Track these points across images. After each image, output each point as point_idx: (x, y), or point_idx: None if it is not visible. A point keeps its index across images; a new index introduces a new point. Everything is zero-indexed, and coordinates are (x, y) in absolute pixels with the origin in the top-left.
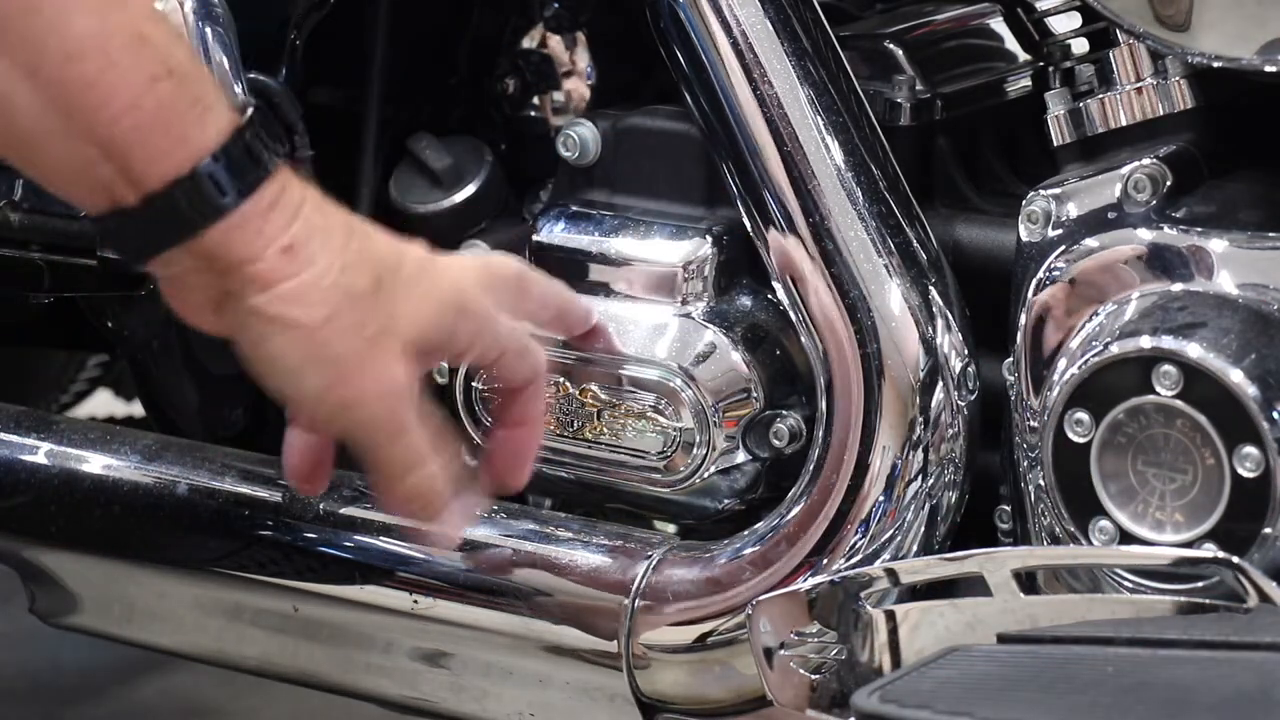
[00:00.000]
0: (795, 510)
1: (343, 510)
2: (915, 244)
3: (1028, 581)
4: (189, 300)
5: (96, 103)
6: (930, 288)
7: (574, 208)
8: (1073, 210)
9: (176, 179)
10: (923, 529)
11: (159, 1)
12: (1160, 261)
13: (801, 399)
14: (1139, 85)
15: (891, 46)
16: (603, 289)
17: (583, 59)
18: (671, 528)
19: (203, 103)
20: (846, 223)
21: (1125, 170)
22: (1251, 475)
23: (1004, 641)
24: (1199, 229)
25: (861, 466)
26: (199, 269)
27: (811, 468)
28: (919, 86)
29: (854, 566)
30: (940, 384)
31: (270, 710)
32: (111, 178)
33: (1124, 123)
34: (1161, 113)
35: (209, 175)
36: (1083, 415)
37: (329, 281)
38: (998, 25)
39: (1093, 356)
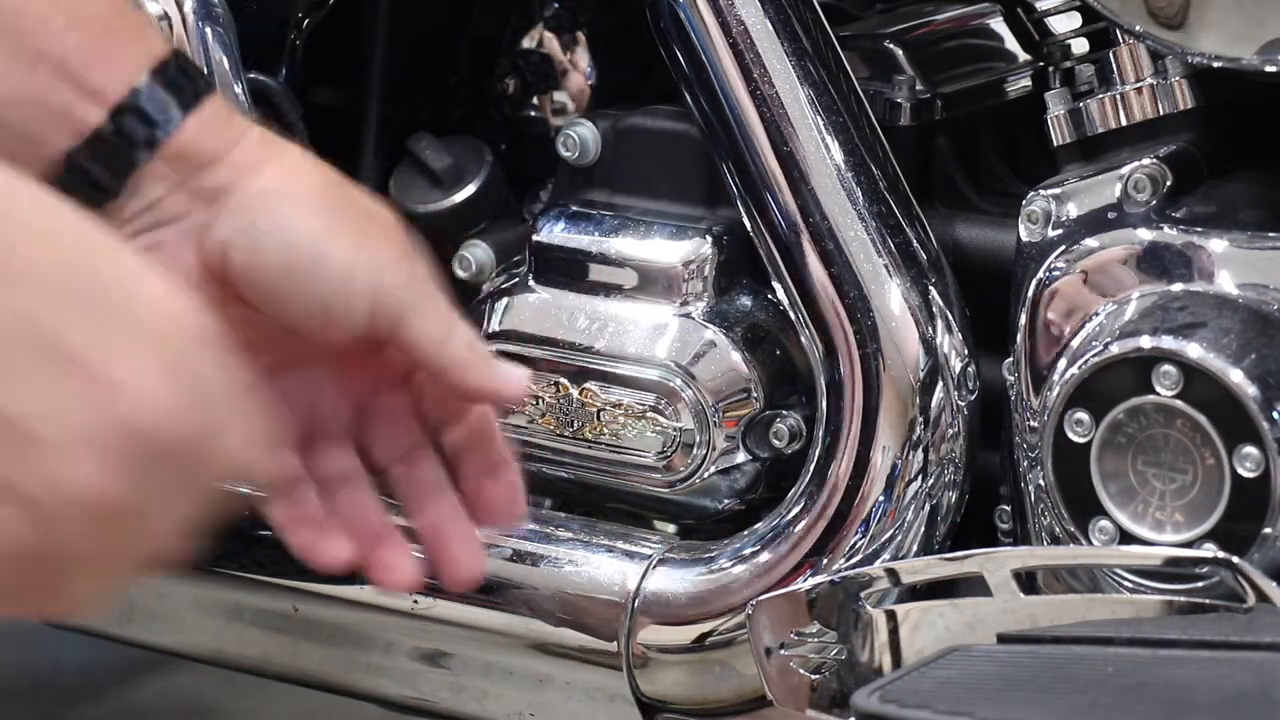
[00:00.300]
0: (795, 510)
1: None
2: (915, 244)
3: (1028, 581)
4: (172, 249)
5: (39, 20)
6: (930, 288)
7: (574, 208)
8: (1073, 210)
9: (140, 83)
10: (923, 529)
11: (155, 2)
12: (1160, 261)
13: (801, 399)
14: (1139, 85)
15: (891, 46)
16: (602, 289)
17: (583, 59)
18: (671, 528)
19: (140, 16)
20: (846, 223)
21: (1125, 170)
22: (1251, 475)
23: (1004, 641)
24: (1199, 229)
25: (861, 466)
26: (176, 187)
27: (811, 468)
28: (919, 86)
29: (854, 566)
30: (940, 384)
31: (270, 710)
32: (69, 100)
33: (1124, 123)
34: (1161, 113)
35: (171, 73)
36: (1083, 415)
37: (308, 155)
38: (998, 25)
39: (1093, 356)
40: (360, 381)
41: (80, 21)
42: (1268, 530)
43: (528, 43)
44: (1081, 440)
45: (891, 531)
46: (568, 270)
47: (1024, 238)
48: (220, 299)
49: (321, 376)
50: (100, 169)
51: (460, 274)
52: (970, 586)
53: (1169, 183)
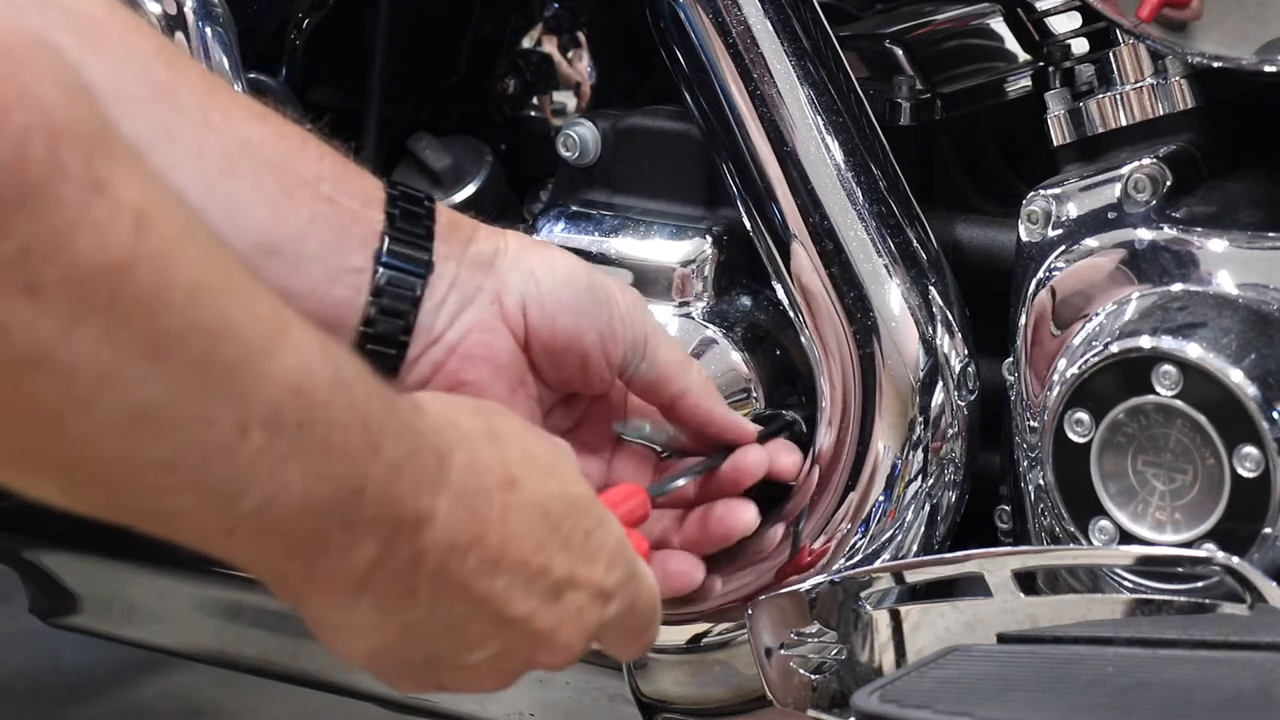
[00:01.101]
0: (795, 510)
1: None
2: (915, 244)
3: (1028, 581)
4: (495, 331)
5: (295, 154)
6: (930, 288)
7: (574, 208)
8: (1073, 210)
9: (382, 180)
10: (923, 529)
11: (155, 2)
12: (1160, 261)
13: (801, 399)
14: (1139, 85)
15: (891, 46)
16: None
17: (583, 59)
18: None
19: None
20: (846, 223)
21: (1125, 170)
22: (1251, 475)
23: (1004, 641)
24: (1199, 229)
25: (861, 466)
26: (460, 262)
27: (811, 468)
28: (919, 86)
29: (854, 566)
30: (940, 384)
31: (270, 710)
32: (354, 209)
33: (1124, 123)
34: (1161, 113)
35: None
36: (1083, 415)
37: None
38: (998, 25)
39: (1093, 356)
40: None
41: (320, 149)
42: (1268, 530)
43: (528, 43)
44: (1081, 440)
45: (891, 531)
46: None
47: (1024, 238)
48: (531, 367)
49: (589, 427)
50: (410, 249)
51: None
52: (970, 586)
53: (1169, 183)
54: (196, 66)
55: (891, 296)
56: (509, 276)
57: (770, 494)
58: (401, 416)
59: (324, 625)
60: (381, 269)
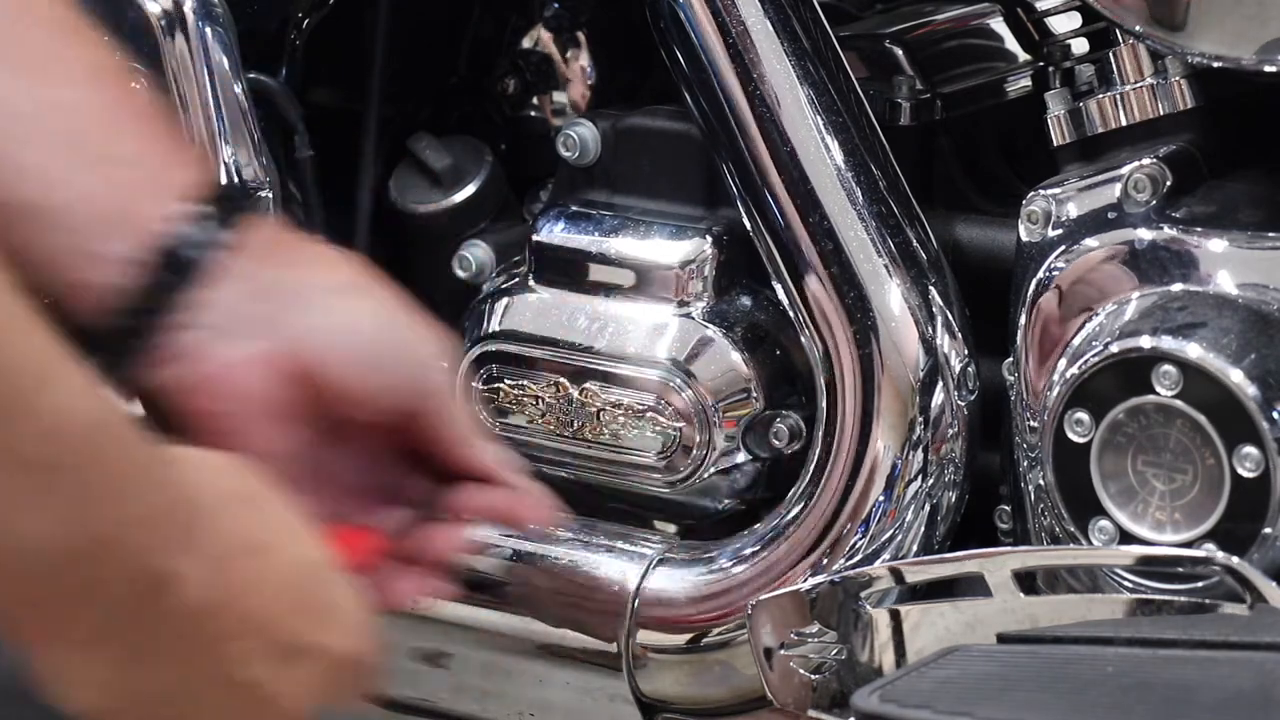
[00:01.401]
0: (795, 510)
1: None
2: (915, 244)
3: (1028, 581)
4: (261, 358)
5: (102, 128)
6: (930, 288)
7: (574, 208)
8: (1073, 210)
9: (204, 178)
10: (923, 529)
11: (155, 2)
12: (1160, 261)
13: (801, 399)
14: (1139, 85)
15: (891, 46)
16: (602, 289)
17: (583, 59)
18: (671, 528)
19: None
20: (846, 223)
21: (1125, 170)
22: (1251, 475)
23: (1004, 641)
24: (1199, 229)
25: (861, 466)
26: (246, 286)
27: (811, 468)
28: (919, 86)
29: (854, 566)
30: (940, 384)
31: None
32: (154, 190)
33: (1124, 123)
34: (1161, 113)
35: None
36: (1083, 415)
37: (333, 248)
38: (998, 25)
39: (1093, 356)
40: (385, 453)
41: (155, 133)
42: (1268, 530)
43: (528, 43)
44: (1081, 440)
45: (891, 531)
46: (568, 270)
47: (1024, 238)
48: (298, 398)
49: (360, 450)
50: (191, 258)
51: (460, 274)
52: (970, 586)
53: (1169, 183)
54: (61, 20)
55: (891, 296)
56: (309, 316)
57: (768, 496)
58: (156, 472)
59: (53, 677)
60: (152, 269)
